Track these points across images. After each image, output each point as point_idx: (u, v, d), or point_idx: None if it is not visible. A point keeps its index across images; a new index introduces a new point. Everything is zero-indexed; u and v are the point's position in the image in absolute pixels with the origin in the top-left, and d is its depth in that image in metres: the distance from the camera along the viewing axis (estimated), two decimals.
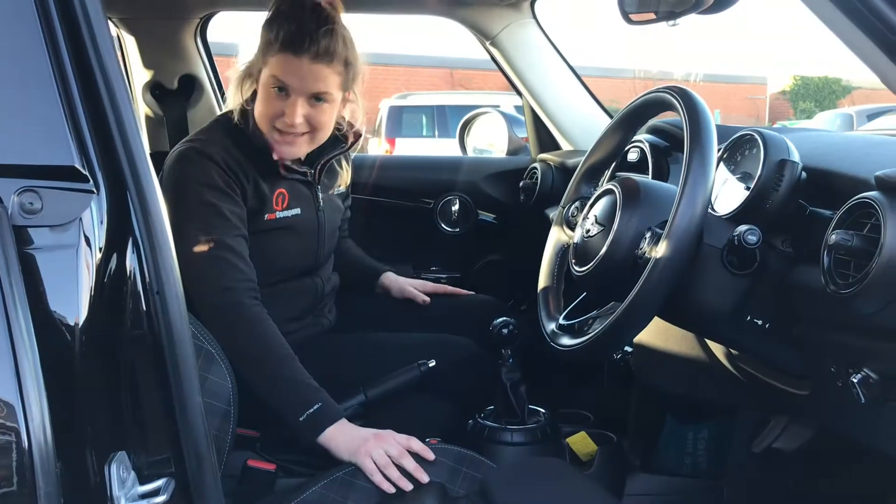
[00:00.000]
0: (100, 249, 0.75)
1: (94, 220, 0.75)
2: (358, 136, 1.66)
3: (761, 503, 1.50)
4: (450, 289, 1.88)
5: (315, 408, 1.32)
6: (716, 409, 1.55)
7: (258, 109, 1.50)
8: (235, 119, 1.53)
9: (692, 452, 1.60)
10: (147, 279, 0.77)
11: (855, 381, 0.97)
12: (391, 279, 1.87)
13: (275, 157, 1.51)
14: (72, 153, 0.74)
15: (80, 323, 0.73)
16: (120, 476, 0.73)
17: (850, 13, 0.84)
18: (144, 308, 0.77)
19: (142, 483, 0.76)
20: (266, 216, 1.53)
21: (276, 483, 1.34)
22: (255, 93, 1.52)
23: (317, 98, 1.47)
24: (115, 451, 0.74)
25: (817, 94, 20.10)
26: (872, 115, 10.53)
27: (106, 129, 0.77)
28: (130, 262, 0.77)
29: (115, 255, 0.76)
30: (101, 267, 0.75)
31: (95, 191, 0.75)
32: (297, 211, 1.57)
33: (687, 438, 1.59)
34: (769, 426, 1.45)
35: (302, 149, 1.54)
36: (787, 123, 14.71)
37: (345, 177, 1.74)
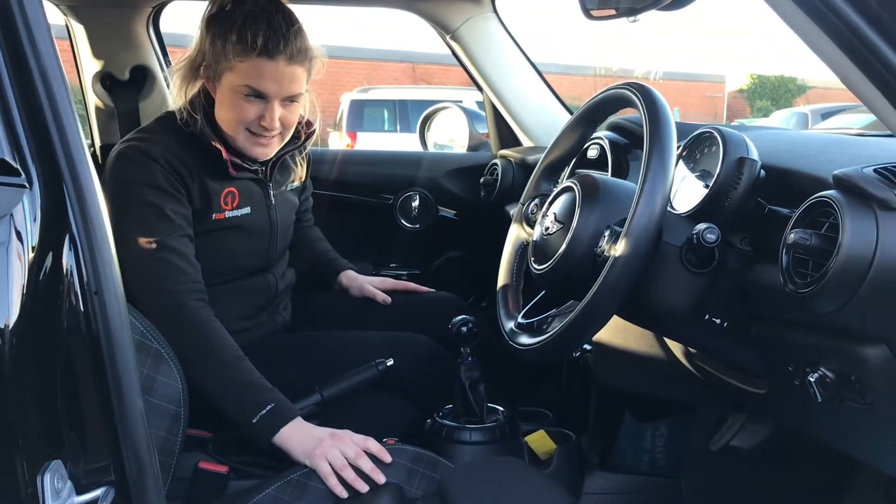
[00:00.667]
0: (33, 247, 0.71)
1: (27, 215, 0.71)
2: (311, 130, 1.63)
3: (719, 500, 1.50)
4: (410, 285, 1.86)
5: (269, 408, 1.29)
6: (674, 407, 1.56)
7: (224, 115, 1.46)
8: (182, 118, 1.47)
9: (650, 450, 1.60)
10: (85, 278, 0.73)
11: (812, 380, 0.96)
12: (350, 278, 1.84)
13: (224, 156, 1.46)
14: (1, 146, 0.70)
15: (11, 324, 0.69)
16: (54, 486, 0.69)
17: (811, 12, 0.84)
18: (82, 308, 0.74)
19: (79, 493, 0.72)
20: (214, 216, 1.48)
21: (229, 485, 1.31)
22: (202, 91, 1.48)
23: (290, 100, 1.45)
24: (49, 459, 0.70)
25: (774, 92, 20.43)
26: (826, 114, 10.72)
27: (41, 121, 0.73)
28: (67, 260, 0.73)
29: (50, 253, 0.73)
30: (35, 265, 0.71)
31: (28, 185, 0.71)
32: (247, 210, 1.53)
33: (645, 436, 1.59)
34: (727, 424, 1.45)
35: (274, 148, 1.51)
36: (745, 121, 14.94)
37: (299, 171, 1.71)
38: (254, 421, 1.28)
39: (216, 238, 1.49)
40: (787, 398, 1.10)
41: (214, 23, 1.42)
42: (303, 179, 1.75)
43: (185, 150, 1.45)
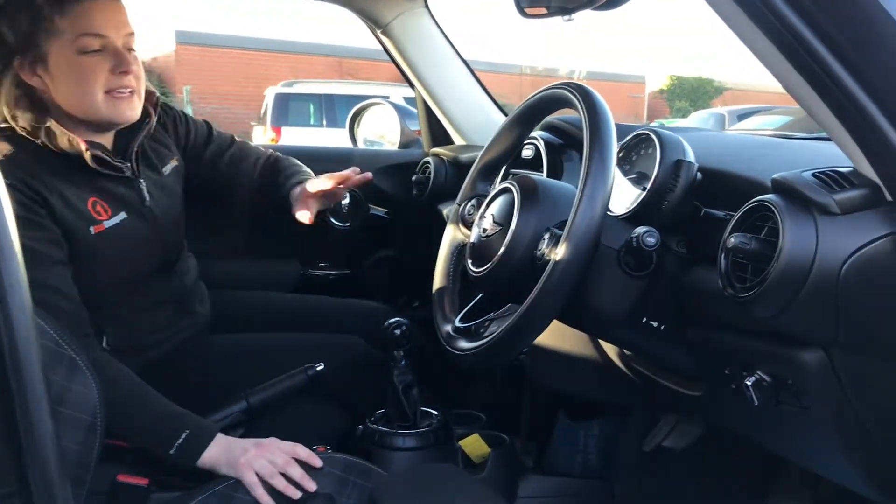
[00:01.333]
0: None
1: None
2: (154, 100, 1.46)
3: (651, 501, 1.51)
4: (348, 175, 1.54)
5: (184, 436, 1.21)
6: (607, 407, 1.56)
7: (72, 91, 1.29)
8: (21, 126, 1.29)
9: (584, 450, 1.60)
10: None
11: (748, 383, 0.97)
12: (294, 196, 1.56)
13: (83, 147, 1.30)
14: None
15: None
16: None
17: (749, 11, 0.83)
18: None
19: None
20: (92, 229, 1.32)
21: (150, 499, 1.24)
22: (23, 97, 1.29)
23: (129, 47, 1.32)
24: None
25: (692, 93, 21.04)
26: (743, 116, 11.07)
27: None
28: None
29: None
30: None
31: None
32: (122, 216, 1.36)
33: (578, 436, 1.58)
34: (659, 425, 1.46)
35: (137, 107, 1.36)
36: (665, 122, 15.32)
37: (171, 147, 1.53)
38: (171, 452, 1.21)
39: (98, 254, 1.33)
40: (722, 401, 1.10)
41: None
42: (186, 147, 1.57)
43: (35, 162, 1.28)
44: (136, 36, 1.35)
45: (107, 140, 1.40)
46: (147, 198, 1.42)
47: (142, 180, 1.42)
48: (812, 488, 1.36)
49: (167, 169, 1.50)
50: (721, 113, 12.09)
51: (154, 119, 1.45)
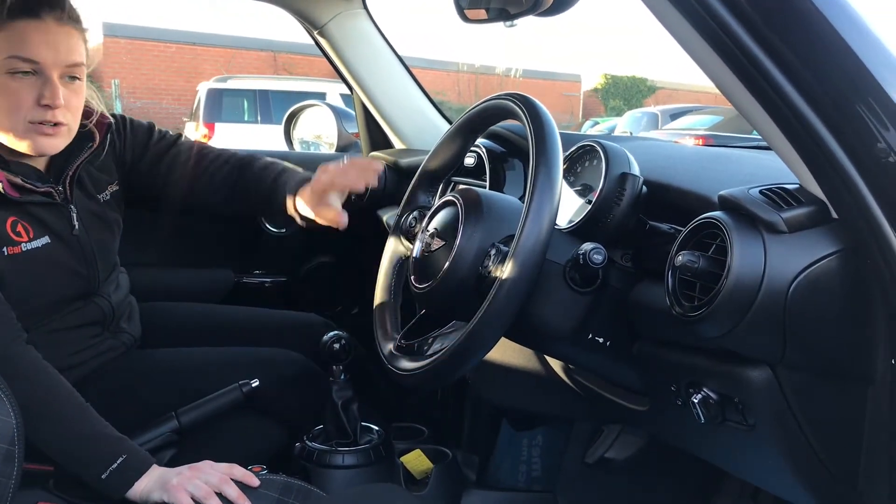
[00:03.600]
0: None
1: None
2: (108, 125, 1.37)
3: None
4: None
5: (119, 462, 1.14)
6: (552, 417, 1.54)
7: None
8: None
9: (527, 461, 1.58)
10: None
11: (695, 401, 0.96)
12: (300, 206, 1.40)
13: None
14: None
15: None
16: None
17: (687, 14, 0.81)
18: None
19: None
20: (6, 250, 1.23)
21: None
22: None
23: (71, 76, 1.23)
24: None
25: (626, 92, 21.36)
26: (675, 115, 11.30)
27: None
28: None
29: None
30: None
31: None
32: (45, 241, 1.28)
33: (521, 446, 1.56)
34: (602, 435, 1.45)
35: (63, 140, 1.26)
36: (599, 120, 15.55)
37: (112, 171, 1.43)
38: (103, 477, 1.13)
39: (15, 276, 1.24)
40: (668, 417, 1.09)
41: None
42: (115, 184, 1.44)
43: None
44: (83, 67, 1.24)
45: (40, 163, 1.31)
46: (76, 225, 1.33)
47: (73, 207, 1.33)
48: (753, 497, 1.37)
49: (104, 195, 1.41)
50: (654, 112, 12.32)
51: (97, 144, 1.36)
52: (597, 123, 14.90)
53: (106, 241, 1.40)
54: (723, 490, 1.40)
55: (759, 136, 0.90)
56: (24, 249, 1.25)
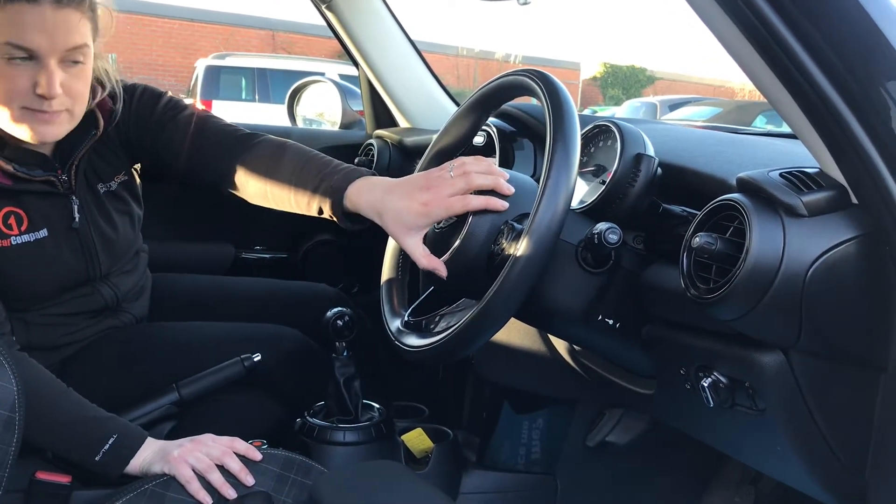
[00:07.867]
0: None
1: None
2: (111, 110, 1.31)
3: (594, 495, 1.50)
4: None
5: (111, 441, 1.12)
6: (553, 400, 1.53)
7: None
8: None
9: (527, 443, 1.57)
10: None
11: (705, 384, 0.95)
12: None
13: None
14: None
15: None
16: None
17: (728, 9, 0.80)
18: None
19: None
20: None
21: (72, 497, 1.16)
22: None
23: (73, 60, 1.17)
24: None
25: (625, 82, 21.31)
26: (674, 106, 11.29)
27: None
28: None
29: None
30: None
31: None
32: (43, 233, 1.24)
33: (522, 428, 1.56)
34: (604, 419, 1.45)
35: (63, 127, 1.20)
36: (598, 109, 15.52)
37: (122, 158, 1.37)
38: (97, 459, 1.12)
39: (3, 269, 1.21)
40: (675, 401, 1.09)
41: None
42: (126, 170, 1.38)
43: None
44: (87, 48, 1.18)
45: (46, 149, 1.26)
46: (77, 217, 1.28)
47: (75, 197, 1.29)
48: (753, 483, 1.37)
49: (112, 184, 1.36)
50: (653, 102, 12.30)
51: (101, 131, 1.30)
52: (595, 112, 14.89)
53: (111, 232, 1.35)
54: (723, 475, 1.40)
55: (758, 129, 0.90)
56: (13, 243, 1.22)
